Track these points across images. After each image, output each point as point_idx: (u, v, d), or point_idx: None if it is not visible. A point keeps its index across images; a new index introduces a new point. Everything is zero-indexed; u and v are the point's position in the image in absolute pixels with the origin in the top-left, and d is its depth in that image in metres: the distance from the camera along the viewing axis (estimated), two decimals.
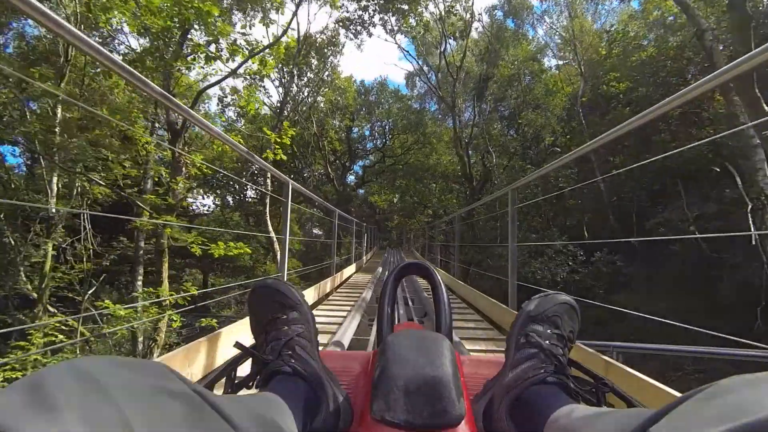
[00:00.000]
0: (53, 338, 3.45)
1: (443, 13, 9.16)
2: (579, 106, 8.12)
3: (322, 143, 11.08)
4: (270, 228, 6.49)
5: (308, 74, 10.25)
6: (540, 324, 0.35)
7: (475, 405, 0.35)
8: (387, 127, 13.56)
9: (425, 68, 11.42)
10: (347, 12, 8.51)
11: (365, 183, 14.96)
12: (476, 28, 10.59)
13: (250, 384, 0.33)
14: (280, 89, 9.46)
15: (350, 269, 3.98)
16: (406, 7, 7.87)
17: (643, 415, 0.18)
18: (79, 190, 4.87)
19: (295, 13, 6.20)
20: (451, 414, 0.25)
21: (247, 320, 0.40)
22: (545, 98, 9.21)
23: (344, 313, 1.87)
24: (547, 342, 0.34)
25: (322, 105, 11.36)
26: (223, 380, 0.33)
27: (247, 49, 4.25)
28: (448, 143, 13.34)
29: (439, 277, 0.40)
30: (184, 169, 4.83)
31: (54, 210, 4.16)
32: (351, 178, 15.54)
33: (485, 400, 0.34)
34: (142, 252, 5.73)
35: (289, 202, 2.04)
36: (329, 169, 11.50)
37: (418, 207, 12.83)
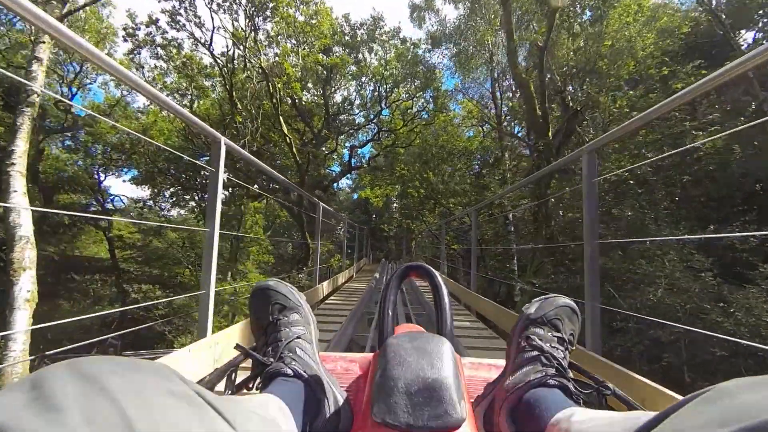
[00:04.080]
0: None
1: None
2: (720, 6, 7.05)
3: (272, 82, 9.33)
4: None
5: None
6: (541, 327, 0.51)
7: (476, 407, 0.50)
8: (383, 90, 12.89)
9: None
10: None
11: (353, 170, 14.73)
12: None
13: (251, 385, 0.47)
14: None
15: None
16: None
17: (644, 418, 0.25)
18: None
19: None
20: (453, 416, 0.34)
21: (247, 322, 0.55)
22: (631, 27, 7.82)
23: None
24: (548, 345, 0.48)
25: (280, 39, 10.31)
26: (224, 381, 0.48)
27: None
28: (471, 114, 13.38)
29: (440, 279, 0.55)
30: None
31: None
32: (336, 167, 14.96)
33: (486, 403, 0.50)
34: None
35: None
36: (284, 128, 10.05)
37: (426, 203, 12.82)
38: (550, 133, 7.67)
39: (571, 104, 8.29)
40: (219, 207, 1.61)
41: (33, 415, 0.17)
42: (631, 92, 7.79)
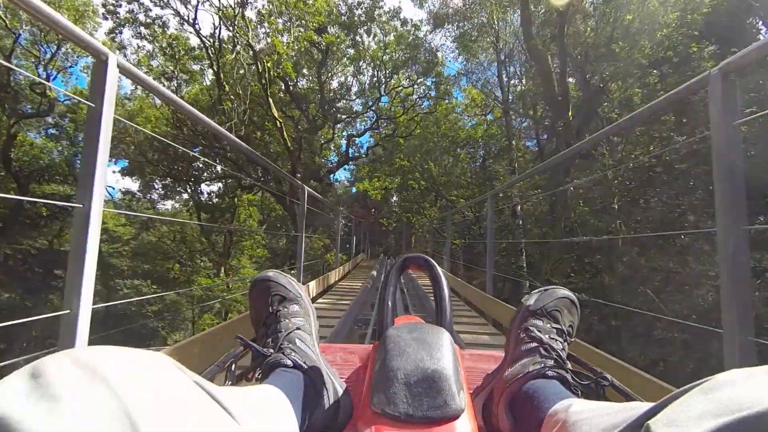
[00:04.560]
0: None
1: None
2: None
3: (261, 61, 9.17)
4: None
5: None
6: (540, 318, 0.53)
7: (475, 398, 0.53)
8: (382, 76, 12.58)
9: None
10: None
11: (351, 160, 14.65)
12: None
13: (250, 376, 0.50)
14: None
15: None
16: None
17: (641, 408, 0.26)
18: None
19: None
20: (451, 407, 0.36)
21: (248, 314, 0.58)
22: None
23: None
24: (547, 336, 0.51)
25: (271, 17, 10.15)
26: (224, 373, 0.50)
27: None
28: (474, 101, 13.28)
29: (440, 270, 0.57)
30: None
31: None
32: (333, 158, 14.88)
33: (485, 394, 0.53)
34: None
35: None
36: (273, 111, 9.81)
37: (427, 195, 12.80)
38: (570, 113, 6.95)
39: (592, 81, 7.53)
40: (102, 169, 0.97)
41: (32, 404, 0.18)
42: (655, 71, 7.39)
